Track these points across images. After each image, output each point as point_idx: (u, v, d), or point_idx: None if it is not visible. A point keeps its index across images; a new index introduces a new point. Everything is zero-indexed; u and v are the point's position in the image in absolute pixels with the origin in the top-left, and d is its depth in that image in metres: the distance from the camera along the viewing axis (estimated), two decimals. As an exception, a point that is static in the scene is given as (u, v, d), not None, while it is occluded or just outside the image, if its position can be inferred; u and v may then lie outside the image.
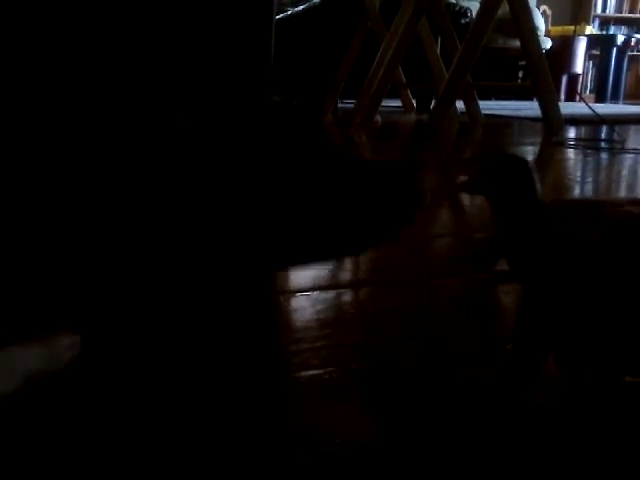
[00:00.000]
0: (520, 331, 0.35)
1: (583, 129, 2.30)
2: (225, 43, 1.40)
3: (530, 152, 1.60)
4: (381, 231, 0.48)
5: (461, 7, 3.43)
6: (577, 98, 5.21)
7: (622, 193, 1.03)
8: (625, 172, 1.26)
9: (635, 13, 6.17)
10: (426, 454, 0.31)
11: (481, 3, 2.14)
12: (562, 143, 1.81)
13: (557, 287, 0.33)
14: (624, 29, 6.17)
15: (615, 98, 5.81)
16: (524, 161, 0.36)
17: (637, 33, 6.00)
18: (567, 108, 3.29)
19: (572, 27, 5.05)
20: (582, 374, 0.35)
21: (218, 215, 0.52)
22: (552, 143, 1.83)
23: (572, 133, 2.14)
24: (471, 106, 2.73)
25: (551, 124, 2.18)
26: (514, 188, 0.35)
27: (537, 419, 0.34)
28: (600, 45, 5.82)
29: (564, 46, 5.27)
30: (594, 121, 2.42)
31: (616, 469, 0.30)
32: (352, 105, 3.05)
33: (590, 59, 6.03)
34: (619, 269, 0.32)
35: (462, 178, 0.38)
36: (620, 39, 5.76)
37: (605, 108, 3.82)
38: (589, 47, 5.75)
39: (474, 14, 2.67)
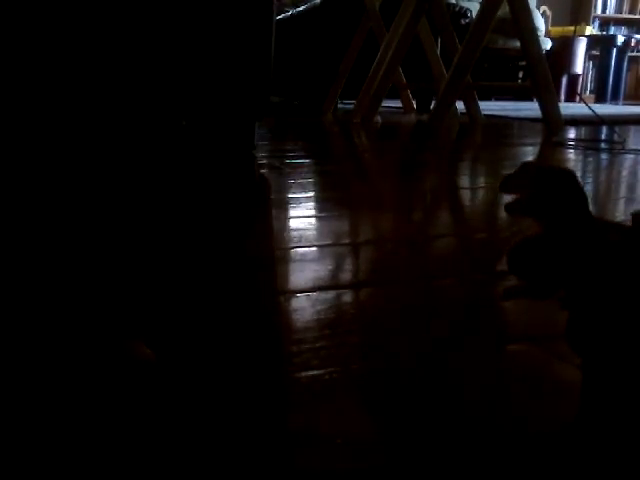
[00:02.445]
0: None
1: (583, 129, 2.30)
2: (225, 43, 1.40)
3: (530, 152, 1.61)
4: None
5: (461, 7, 3.43)
6: (577, 99, 5.21)
7: (622, 194, 1.03)
8: (625, 173, 1.26)
9: (635, 14, 6.17)
10: (426, 454, 0.31)
11: (481, 3, 2.14)
12: (562, 144, 1.81)
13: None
14: (624, 30, 6.17)
15: (615, 99, 5.82)
16: (571, 174, 0.33)
17: (637, 34, 6.00)
18: (567, 109, 3.29)
19: (572, 28, 5.06)
20: None
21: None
22: (552, 143, 1.83)
23: (572, 133, 2.14)
24: (471, 106, 2.74)
25: (551, 124, 2.18)
26: (565, 206, 0.32)
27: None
28: (600, 46, 5.82)
29: (564, 46, 5.27)
30: (594, 122, 2.42)
31: None
32: (352, 105, 3.05)
33: (590, 59, 6.03)
34: None
35: (507, 198, 0.34)
36: (620, 40, 5.77)
37: (605, 109, 3.82)
38: (589, 47, 5.75)
39: (474, 14, 2.67)
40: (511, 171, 0.35)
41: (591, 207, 0.32)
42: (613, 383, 0.30)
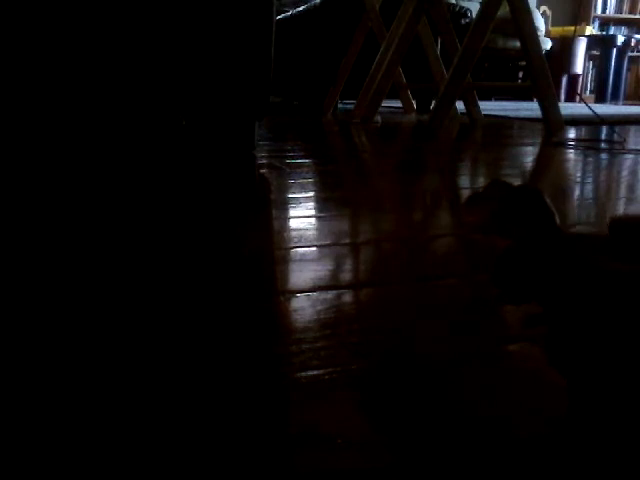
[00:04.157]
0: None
1: (583, 130, 2.30)
2: (225, 43, 1.40)
3: (530, 152, 1.61)
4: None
5: (461, 7, 3.43)
6: (577, 99, 5.22)
7: (622, 194, 1.03)
8: (625, 173, 1.26)
9: (635, 14, 6.17)
10: (427, 454, 0.31)
11: (481, 3, 2.14)
12: (562, 144, 1.81)
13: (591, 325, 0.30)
14: (624, 30, 6.17)
15: (615, 99, 5.82)
16: (538, 191, 0.33)
17: (637, 34, 6.00)
18: (567, 109, 3.30)
19: (572, 28, 5.06)
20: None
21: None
22: (552, 144, 1.83)
23: (572, 134, 2.14)
24: (471, 107, 2.74)
25: (551, 124, 2.18)
26: (532, 224, 0.32)
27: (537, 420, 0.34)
28: (600, 46, 5.83)
29: (564, 47, 5.28)
30: (594, 122, 2.42)
31: None
32: (352, 105, 3.05)
33: (590, 60, 6.03)
34: None
35: (473, 218, 0.35)
36: (620, 40, 5.77)
37: (605, 109, 3.82)
38: (589, 48, 5.75)
39: (474, 14, 2.67)
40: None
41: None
42: (594, 395, 0.30)
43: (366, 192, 1.03)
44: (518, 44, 2.34)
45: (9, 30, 1.19)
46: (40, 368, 0.38)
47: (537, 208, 0.33)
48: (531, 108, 3.55)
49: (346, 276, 0.58)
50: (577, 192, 1.03)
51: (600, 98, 5.81)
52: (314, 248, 0.67)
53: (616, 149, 1.68)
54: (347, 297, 0.53)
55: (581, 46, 5.59)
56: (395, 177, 1.20)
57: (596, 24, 6.13)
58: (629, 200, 0.97)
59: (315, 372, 0.39)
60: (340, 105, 3.46)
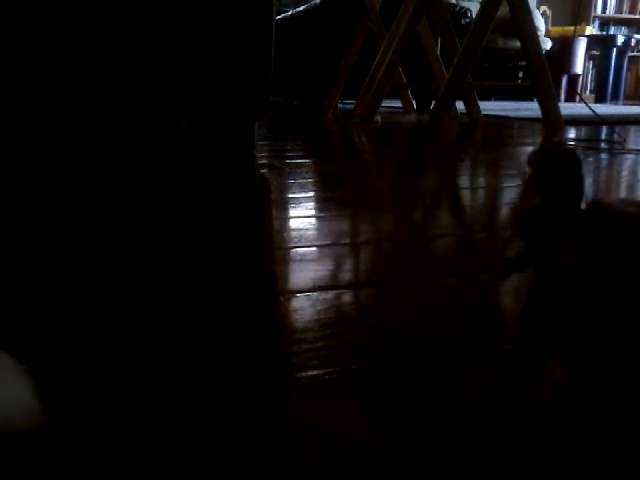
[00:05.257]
0: (527, 329, 0.34)
1: (583, 130, 2.30)
2: (225, 43, 1.40)
3: (530, 152, 1.60)
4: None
5: (461, 7, 3.43)
6: (577, 99, 5.22)
7: (622, 194, 1.03)
8: (625, 173, 1.26)
9: (635, 14, 6.17)
10: (426, 455, 0.31)
11: (481, 3, 2.14)
12: (562, 144, 1.81)
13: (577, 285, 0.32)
14: (624, 30, 6.17)
15: (615, 99, 5.82)
16: (575, 159, 0.34)
17: (637, 34, 6.00)
18: (567, 109, 3.30)
19: (572, 28, 5.06)
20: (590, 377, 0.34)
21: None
22: (552, 144, 1.83)
23: (572, 134, 2.14)
24: (471, 107, 2.74)
25: (551, 124, 2.18)
26: (558, 190, 0.33)
27: (536, 419, 0.34)
28: (600, 46, 5.83)
29: (564, 47, 5.28)
30: (594, 122, 2.42)
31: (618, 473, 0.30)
32: (352, 105, 3.05)
33: (590, 60, 6.03)
34: None
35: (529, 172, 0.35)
36: (620, 40, 5.77)
37: (605, 109, 3.82)
38: (589, 48, 5.75)
39: (474, 14, 2.67)
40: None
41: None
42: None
43: (366, 192, 1.03)
44: (518, 44, 2.34)
45: (10, 30, 1.19)
46: (41, 368, 0.38)
47: (568, 175, 0.33)
48: (531, 108, 3.55)
49: (346, 276, 0.58)
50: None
51: (600, 98, 5.81)
52: (314, 248, 0.67)
53: (616, 149, 1.68)
54: (347, 297, 0.53)
55: (581, 46, 5.59)
56: (395, 177, 1.20)
57: (596, 24, 6.13)
58: (629, 200, 0.97)
59: (315, 372, 0.39)
60: (340, 105, 3.46)
